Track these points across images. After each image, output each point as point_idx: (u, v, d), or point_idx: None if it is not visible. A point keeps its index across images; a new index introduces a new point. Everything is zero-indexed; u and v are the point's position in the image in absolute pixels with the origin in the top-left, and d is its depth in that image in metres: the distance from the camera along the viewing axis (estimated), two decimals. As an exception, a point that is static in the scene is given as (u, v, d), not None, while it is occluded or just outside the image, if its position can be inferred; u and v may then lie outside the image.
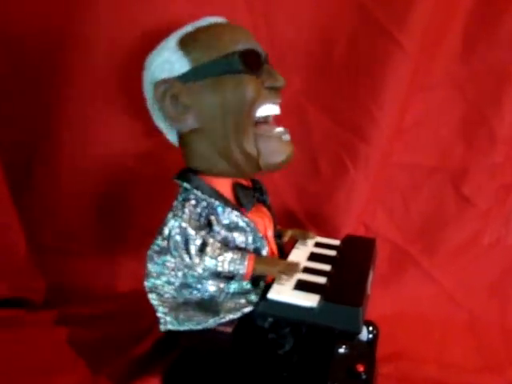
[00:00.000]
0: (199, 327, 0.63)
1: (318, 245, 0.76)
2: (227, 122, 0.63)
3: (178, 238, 0.62)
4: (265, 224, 0.69)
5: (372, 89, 0.91)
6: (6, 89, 0.92)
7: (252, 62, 0.63)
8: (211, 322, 0.63)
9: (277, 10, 0.91)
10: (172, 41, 0.65)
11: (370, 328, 0.79)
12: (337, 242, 0.77)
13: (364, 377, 0.71)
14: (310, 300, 0.60)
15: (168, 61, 0.64)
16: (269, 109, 0.66)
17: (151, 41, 0.68)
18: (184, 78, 0.63)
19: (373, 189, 1.00)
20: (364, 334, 0.78)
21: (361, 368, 0.71)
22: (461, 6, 0.92)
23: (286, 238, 0.75)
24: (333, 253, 0.73)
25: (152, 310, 0.67)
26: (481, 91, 0.95)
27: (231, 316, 0.63)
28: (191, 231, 0.62)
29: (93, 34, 0.86)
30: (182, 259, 0.63)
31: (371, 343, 0.79)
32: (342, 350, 0.75)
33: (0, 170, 0.91)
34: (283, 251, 0.73)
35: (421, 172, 1.00)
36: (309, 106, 0.96)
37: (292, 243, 0.76)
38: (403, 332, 0.94)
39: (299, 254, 0.72)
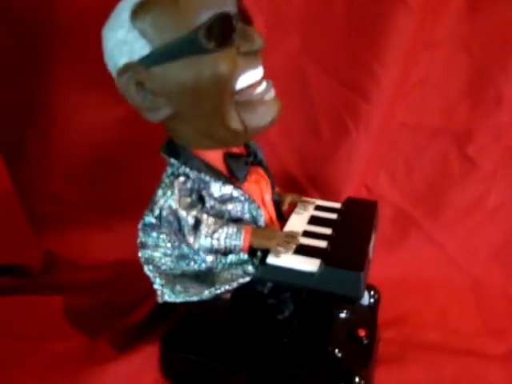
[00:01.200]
0: (195, 299, 0.62)
1: (318, 208, 0.74)
2: (204, 105, 0.56)
3: (170, 218, 0.60)
4: (261, 189, 0.66)
5: (373, 46, 0.88)
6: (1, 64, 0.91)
7: (221, 34, 0.54)
8: (206, 294, 0.62)
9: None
10: (124, 14, 0.55)
11: (372, 292, 0.79)
12: (338, 205, 0.75)
13: (365, 341, 0.71)
14: (310, 264, 0.59)
15: (125, 42, 0.55)
16: (249, 77, 0.58)
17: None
18: (146, 62, 0.54)
19: (375, 150, 0.98)
20: (365, 299, 0.78)
21: (362, 333, 0.72)
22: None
23: (285, 207, 0.73)
24: (334, 216, 0.71)
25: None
26: (487, 50, 0.92)
27: (227, 287, 0.61)
28: (182, 212, 0.59)
29: None
30: (177, 238, 0.62)
31: (373, 308, 0.79)
32: (343, 315, 0.74)
33: None
34: (282, 213, 0.72)
35: (424, 133, 0.98)
36: (309, 65, 0.93)
37: (292, 207, 0.74)
38: (405, 296, 0.94)
39: (299, 218, 0.70)
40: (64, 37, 0.88)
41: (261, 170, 0.68)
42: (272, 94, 0.61)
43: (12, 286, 0.88)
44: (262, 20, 0.89)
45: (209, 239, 0.60)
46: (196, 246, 0.60)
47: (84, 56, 0.88)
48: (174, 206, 0.59)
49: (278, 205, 0.71)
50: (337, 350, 0.67)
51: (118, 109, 0.91)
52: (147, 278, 0.66)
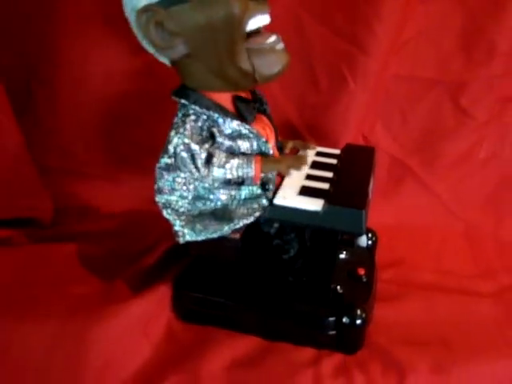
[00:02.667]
0: (215, 235, 0.66)
1: (319, 154, 0.77)
2: (218, 43, 0.60)
3: (184, 154, 0.62)
4: (267, 134, 0.69)
5: (370, -1, 0.90)
6: (4, 11, 0.92)
7: None
8: (227, 229, 0.65)
9: None
10: None
11: (370, 235, 0.83)
12: (337, 151, 0.78)
13: (365, 279, 0.75)
14: (314, 204, 0.62)
15: None
16: (258, 20, 0.62)
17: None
18: (165, 3, 0.58)
19: (371, 101, 1.00)
20: (364, 241, 0.81)
21: (361, 271, 0.75)
22: None
23: (287, 150, 0.76)
24: (334, 161, 0.75)
25: (158, 225, 0.69)
26: (481, 3, 0.93)
27: (245, 221, 0.65)
28: (195, 146, 0.62)
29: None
30: (192, 173, 0.64)
31: (371, 249, 0.83)
32: (343, 256, 0.78)
33: (2, 92, 0.90)
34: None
35: (419, 85, 1.00)
36: (307, 18, 0.94)
37: (294, 152, 0.77)
38: (402, 241, 0.98)
39: None
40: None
41: (265, 119, 0.71)
42: (282, 45, 0.65)
43: (24, 237, 0.90)
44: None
45: (222, 169, 0.63)
46: (210, 178, 0.64)
47: (90, 9, 0.89)
48: (187, 141, 0.62)
49: (280, 152, 0.74)
50: (338, 287, 0.71)
51: (126, 61, 0.93)
52: (156, 224, 0.70)
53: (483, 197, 1.06)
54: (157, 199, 0.67)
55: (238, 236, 0.67)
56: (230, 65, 0.61)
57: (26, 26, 0.92)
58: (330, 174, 0.70)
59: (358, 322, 0.67)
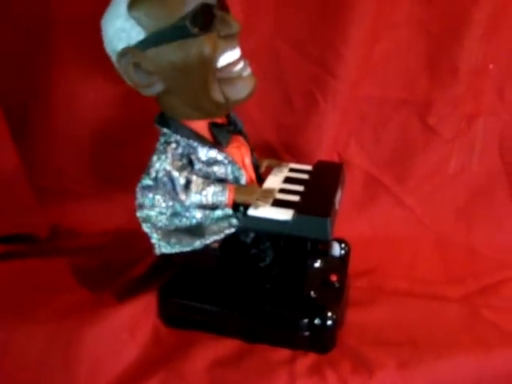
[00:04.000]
0: (187, 249, 0.72)
1: (292, 170, 0.83)
2: (192, 81, 0.66)
3: (165, 179, 0.69)
4: (242, 154, 0.75)
5: (338, 27, 0.96)
6: (5, 40, 0.98)
7: (204, 21, 0.64)
8: (198, 244, 0.71)
9: None
10: (122, 6, 0.64)
11: (343, 245, 0.87)
12: (309, 167, 0.84)
13: (337, 285, 0.80)
14: (285, 214, 0.68)
15: (123, 29, 0.64)
16: (228, 57, 0.67)
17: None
18: (142, 45, 0.64)
19: (345, 121, 1.05)
20: (337, 250, 0.86)
21: (334, 278, 0.80)
22: None
23: (262, 169, 0.82)
24: (305, 176, 0.81)
25: (145, 240, 0.75)
26: (443, 28, 1.00)
27: (215, 237, 0.71)
28: (175, 173, 0.68)
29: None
30: (171, 197, 0.71)
31: (344, 258, 0.87)
32: (317, 264, 0.83)
33: (0, 115, 0.94)
34: (261, 175, 0.81)
35: (389, 104, 1.06)
36: (281, 45, 1.00)
37: (269, 170, 0.83)
38: (376, 251, 1.02)
39: (275, 179, 0.79)
40: (64, 21, 0.95)
41: (241, 138, 0.77)
42: (249, 71, 0.71)
43: (22, 252, 0.95)
44: (239, 7, 0.96)
45: (198, 196, 0.69)
46: (187, 202, 0.70)
47: (85, 36, 0.91)
48: (168, 168, 0.68)
49: (257, 168, 0.80)
50: (312, 292, 0.76)
51: (118, 86, 0.96)
52: (143, 240, 0.75)
53: (453, 209, 1.11)
54: (138, 214, 0.74)
55: (216, 246, 0.72)
56: (204, 98, 0.68)
57: (25, 54, 0.98)
58: (301, 188, 0.76)
59: (329, 323, 0.72)
